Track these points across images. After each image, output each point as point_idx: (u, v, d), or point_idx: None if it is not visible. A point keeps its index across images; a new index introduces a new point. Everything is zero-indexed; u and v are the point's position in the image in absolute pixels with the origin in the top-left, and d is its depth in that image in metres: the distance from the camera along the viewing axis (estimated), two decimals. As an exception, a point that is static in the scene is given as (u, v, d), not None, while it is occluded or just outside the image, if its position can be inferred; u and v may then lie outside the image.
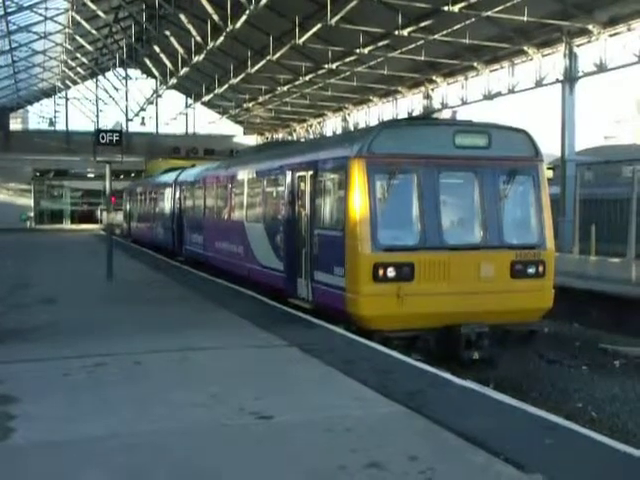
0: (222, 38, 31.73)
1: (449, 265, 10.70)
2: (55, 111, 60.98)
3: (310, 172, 12.59)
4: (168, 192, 26.53)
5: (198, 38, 34.32)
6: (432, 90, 38.31)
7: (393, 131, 11.40)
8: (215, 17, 30.62)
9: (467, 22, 26.91)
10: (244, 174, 17.19)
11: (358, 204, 10.64)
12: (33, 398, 6.96)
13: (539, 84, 30.04)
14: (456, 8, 24.98)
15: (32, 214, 53.87)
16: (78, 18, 39.76)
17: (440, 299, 10.62)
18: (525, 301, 11.08)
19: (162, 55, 41.55)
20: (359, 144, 10.98)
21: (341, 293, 10.96)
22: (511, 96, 32.53)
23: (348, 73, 37.64)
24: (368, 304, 10.51)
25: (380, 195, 10.73)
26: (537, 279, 11.20)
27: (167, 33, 38.39)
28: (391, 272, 10.42)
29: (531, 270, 11.12)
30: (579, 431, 6.10)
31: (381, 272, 10.39)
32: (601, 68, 26.70)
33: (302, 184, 12.99)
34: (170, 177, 27.15)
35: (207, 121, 59.07)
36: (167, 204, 26.67)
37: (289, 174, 13.59)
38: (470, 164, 11.19)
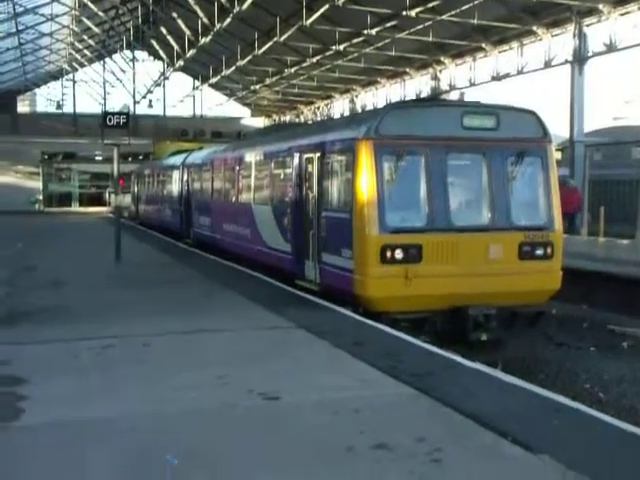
0: (229, 19, 31.59)
1: (457, 247, 10.67)
2: (63, 94, 61.02)
3: (318, 154, 12.53)
4: (176, 175, 26.51)
5: (205, 19, 34.17)
6: (440, 72, 38.08)
7: (400, 113, 11.34)
8: (222, -2, 30.48)
9: (475, 2, 26.68)
10: (252, 156, 17.13)
11: (366, 186, 10.60)
12: (42, 379, 7.00)
13: (548, 65, 29.80)
14: (465, -12, 24.79)
15: (41, 197, 53.98)
16: (85, 0, 39.64)
17: (448, 281, 10.59)
18: (533, 283, 11.04)
19: (169, 37, 41.40)
20: (366, 126, 10.92)
21: (349, 275, 10.94)
22: (520, 77, 32.30)
23: (356, 55, 37.43)
24: (376, 286, 10.50)
25: (388, 177, 10.69)
26: (545, 261, 11.15)
27: (174, 15, 38.24)
28: (399, 254, 10.40)
29: (539, 252, 11.07)
30: (586, 412, 6.11)
31: (389, 254, 10.37)
32: (611, 48, 26.45)
33: (310, 166, 12.93)
34: (178, 160, 27.11)
35: (214, 103, 58.95)
36: (175, 187, 26.66)
37: (297, 156, 13.54)
38: (478, 145, 11.12)
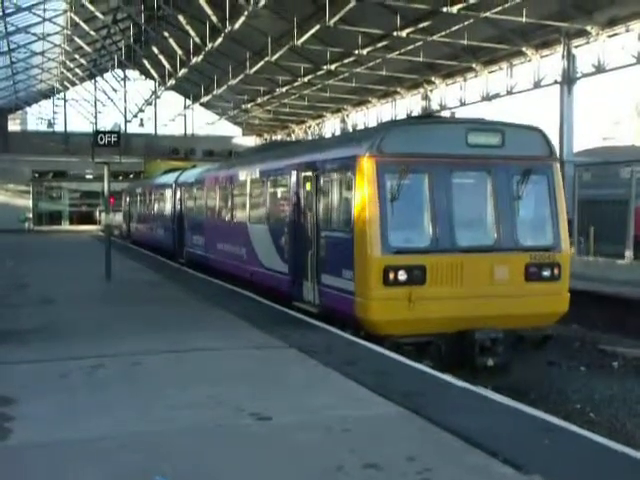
0: (221, 39, 31.80)
1: (462, 268, 10.34)
2: (54, 112, 61.06)
3: (316, 172, 12.22)
4: (168, 193, 26.41)
5: (197, 39, 34.36)
6: (431, 91, 38.35)
7: (404, 129, 11.05)
8: (214, 18, 30.66)
9: (466, 23, 26.96)
10: (247, 175, 16.82)
11: (367, 205, 10.27)
12: (31, 399, 6.96)
13: (537, 85, 30.07)
14: (455, 9, 25.01)
15: (31, 215, 53.81)
16: (77, 19, 39.79)
17: (452, 303, 10.25)
18: (540, 305, 10.74)
19: (161, 56, 41.58)
20: (368, 143, 10.62)
21: (350, 297, 10.60)
22: (509, 97, 32.56)
23: (347, 74, 37.69)
24: (378, 309, 10.15)
25: (390, 195, 10.25)
26: (552, 282, 10.84)
27: (165, 34, 38.42)
28: (402, 275, 10.05)
29: (546, 273, 10.76)
30: (577, 432, 6.10)
31: (392, 275, 10.02)
32: (599, 69, 26.74)
33: (308, 184, 12.60)
34: (170, 178, 27.00)
35: (206, 122, 59.10)
36: (167, 205, 26.55)
37: (294, 174, 13.23)
38: (483, 163, 10.82)
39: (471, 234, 10.84)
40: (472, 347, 10.22)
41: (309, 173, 12.60)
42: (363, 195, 10.40)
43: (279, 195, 14.57)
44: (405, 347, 9.92)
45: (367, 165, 10.39)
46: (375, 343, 9.75)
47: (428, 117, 14.66)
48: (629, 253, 19.40)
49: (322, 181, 12.08)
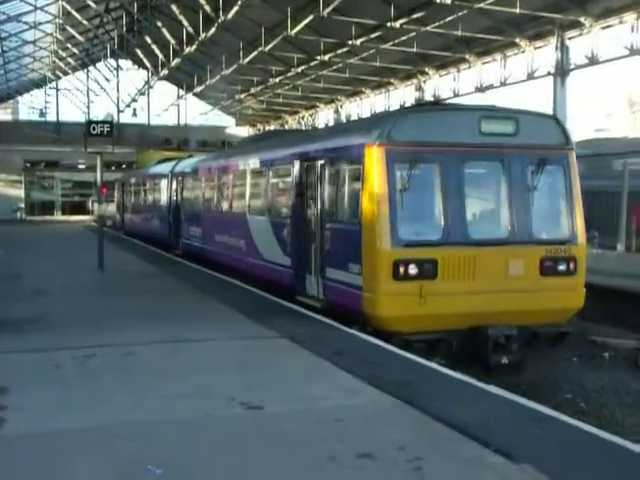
0: (214, 29, 31.70)
1: (474, 262, 9.94)
2: (46, 102, 60.72)
3: (321, 161, 11.81)
4: (164, 183, 26.10)
5: (190, 29, 34.25)
6: (424, 82, 38.33)
7: (414, 117, 10.58)
8: (207, 7, 30.57)
9: (459, 14, 26.95)
10: (247, 164, 16.41)
11: (376, 196, 9.86)
12: (24, 389, 6.96)
13: (531, 77, 30.11)
14: (448, 0, 24.98)
15: (23, 205, 53.65)
16: (68, 8, 39.54)
17: (465, 298, 9.88)
18: (555, 300, 10.36)
19: (153, 46, 41.43)
20: (378, 131, 10.18)
21: (357, 292, 10.21)
22: (503, 88, 32.59)
23: (340, 65, 37.63)
24: (387, 304, 9.75)
25: (400, 186, 9.82)
26: (568, 277, 10.45)
27: (158, 24, 38.29)
28: (412, 269, 9.66)
29: (562, 267, 10.37)
30: (568, 422, 6.15)
31: (402, 269, 9.63)
32: (593, 61, 26.80)
33: (312, 174, 12.20)
34: (166, 168, 26.69)
35: (199, 112, 58.95)
36: (163, 196, 26.25)
37: (297, 163, 12.80)
38: (497, 152, 10.40)
39: (484, 226, 10.57)
40: (485, 344, 9.84)
41: (313, 162, 12.23)
42: (372, 185, 9.97)
43: (281, 185, 14.20)
44: (415, 344, 9.60)
45: (376, 154, 9.96)
46: (382, 339, 9.52)
47: (438, 104, 14.18)
48: (621, 245, 19.48)
49: (328, 171, 11.68)
